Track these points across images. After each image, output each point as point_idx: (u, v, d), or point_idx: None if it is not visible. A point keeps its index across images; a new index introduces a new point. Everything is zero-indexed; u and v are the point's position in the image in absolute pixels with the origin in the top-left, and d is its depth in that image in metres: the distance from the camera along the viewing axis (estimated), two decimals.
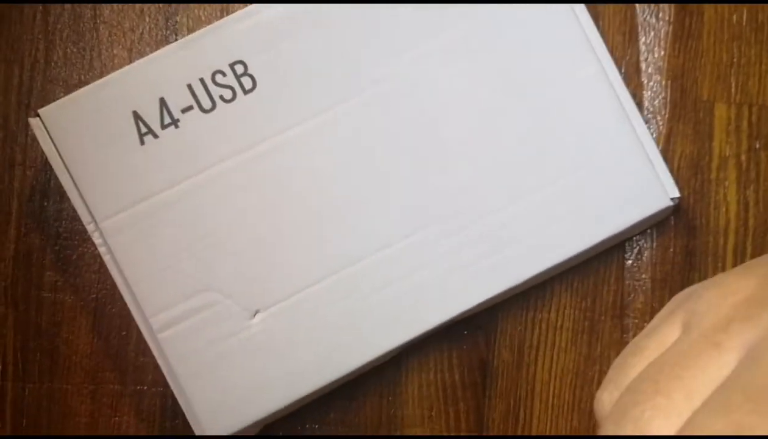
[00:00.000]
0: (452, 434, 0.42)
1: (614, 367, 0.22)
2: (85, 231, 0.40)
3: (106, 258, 0.40)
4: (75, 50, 0.42)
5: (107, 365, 0.41)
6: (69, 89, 0.40)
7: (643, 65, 0.42)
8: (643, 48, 0.42)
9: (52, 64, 0.42)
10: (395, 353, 0.41)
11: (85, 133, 0.40)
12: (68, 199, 0.40)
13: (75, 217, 0.40)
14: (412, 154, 0.40)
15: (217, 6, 0.43)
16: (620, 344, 0.42)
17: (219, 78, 0.41)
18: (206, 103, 0.41)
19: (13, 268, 0.42)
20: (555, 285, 0.42)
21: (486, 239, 0.40)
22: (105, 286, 0.41)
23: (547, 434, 0.42)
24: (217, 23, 0.40)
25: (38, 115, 0.40)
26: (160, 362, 0.40)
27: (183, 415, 0.39)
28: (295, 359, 0.40)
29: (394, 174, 0.41)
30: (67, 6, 0.42)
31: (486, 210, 0.40)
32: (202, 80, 0.41)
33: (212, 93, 0.41)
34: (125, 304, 0.40)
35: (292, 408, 0.41)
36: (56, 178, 0.40)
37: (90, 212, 0.40)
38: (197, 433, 0.39)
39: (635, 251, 0.42)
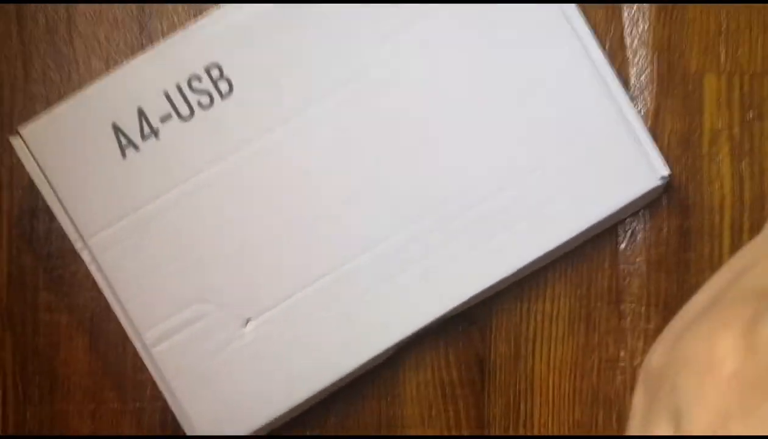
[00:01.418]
0: (453, 433, 0.38)
1: None
2: (75, 249, 0.37)
3: (97, 276, 0.37)
4: (53, 66, 0.39)
5: (106, 384, 0.38)
6: (50, 105, 0.37)
7: (627, 40, 0.38)
8: (627, 22, 0.38)
9: (31, 80, 0.39)
10: (391, 353, 0.37)
11: (67, 150, 0.37)
12: (57, 219, 0.36)
13: (65, 236, 0.37)
14: (398, 147, 0.37)
15: (191, 8, 0.39)
16: (618, 331, 0.38)
17: (195, 83, 0.37)
18: (184, 111, 0.37)
19: (7, 290, 0.39)
20: (548, 274, 0.38)
21: (477, 227, 0.37)
22: (99, 304, 0.38)
23: (550, 427, 0.38)
24: (189, 27, 0.37)
25: (19, 135, 0.36)
26: (155, 376, 0.36)
27: (182, 429, 0.35)
28: (291, 364, 0.37)
29: (380, 168, 0.37)
30: (41, 20, 0.39)
31: (476, 198, 0.37)
32: (178, 86, 0.37)
33: (189, 99, 0.37)
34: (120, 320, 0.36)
35: (291, 415, 0.37)
36: (44, 198, 0.36)
37: (77, 230, 0.37)
38: None
39: (628, 233, 0.38)
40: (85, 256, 0.38)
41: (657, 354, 0.19)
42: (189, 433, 0.37)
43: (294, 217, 0.38)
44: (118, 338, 0.39)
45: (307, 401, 0.38)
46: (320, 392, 0.38)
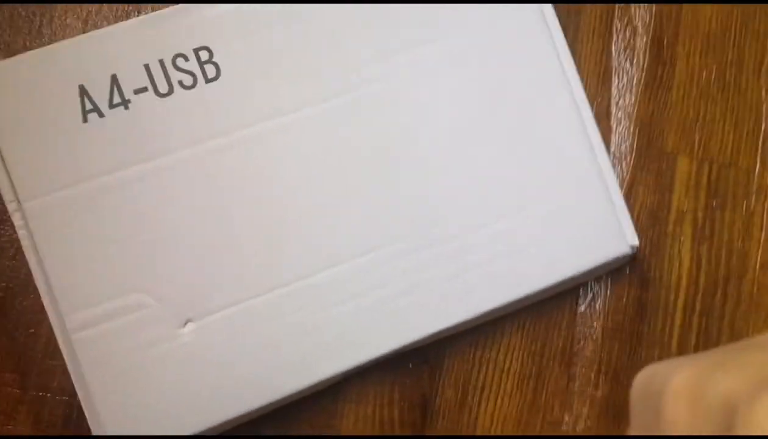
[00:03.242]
0: None
1: None
2: (4, 212, 0.30)
3: (25, 243, 0.30)
4: (23, 13, 0.33)
5: (8, 365, 0.31)
6: (11, 54, 0.30)
7: (613, 109, 0.36)
8: (615, 92, 0.36)
9: None
10: (335, 381, 0.32)
11: (22, 101, 0.31)
12: None
13: None
14: (378, 166, 0.33)
15: None
16: (565, 394, 0.34)
17: (180, 62, 0.32)
18: (163, 87, 0.32)
19: None
20: (506, 325, 0.35)
21: (444, 264, 0.33)
22: (19, 275, 0.31)
23: None
24: (185, 5, 0.32)
25: None
26: (70, 366, 0.30)
27: (88, 429, 0.29)
28: (225, 378, 0.31)
29: (356, 186, 0.33)
30: None
31: (446, 234, 0.33)
32: (161, 62, 0.32)
33: (171, 77, 0.32)
34: (39, 298, 0.30)
35: (215, 431, 0.31)
36: None
37: (14, 189, 0.30)
38: None
39: (589, 297, 0.35)
40: (17, 219, 0.31)
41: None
42: (95, 432, 0.30)
43: (258, 220, 0.32)
44: (33, 317, 0.32)
45: (236, 419, 0.31)
46: (250, 413, 0.32)
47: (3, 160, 0.31)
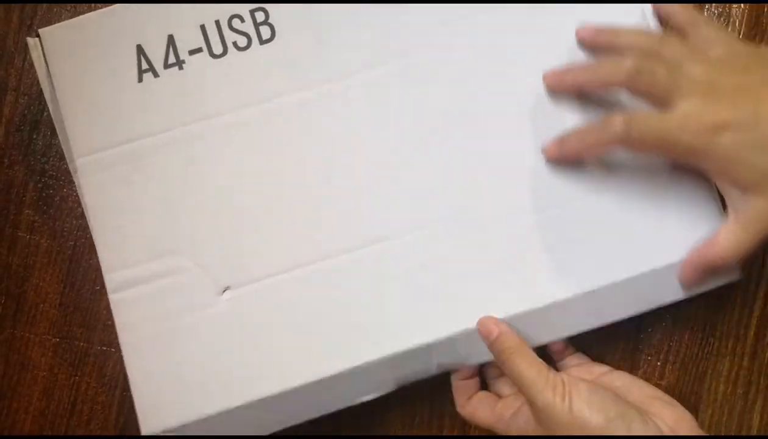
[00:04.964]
0: None
1: None
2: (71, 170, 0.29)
3: (83, 200, 0.29)
4: None
5: (76, 320, 0.31)
6: (77, 15, 0.29)
7: None
8: None
9: None
10: (387, 390, 0.29)
11: (83, 61, 0.31)
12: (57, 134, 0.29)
13: (64, 156, 0.29)
14: (438, 138, 0.30)
15: None
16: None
17: (236, 23, 0.30)
18: (217, 48, 0.30)
19: None
20: None
21: (507, 245, 0.29)
22: (86, 234, 0.31)
23: None
24: None
25: (38, 36, 0.29)
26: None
27: None
28: (262, 351, 0.29)
29: (413, 158, 0.30)
30: None
31: (508, 212, 0.29)
32: (217, 23, 0.30)
33: (226, 38, 0.30)
34: None
35: (246, 411, 0.28)
36: (50, 112, 0.28)
37: (70, 148, 0.29)
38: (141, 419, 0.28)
39: None
40: (77, 179, 0.30)
41: None
42: (135, 395, 0.29)
43: (305, 189, 0.30)
44: (98, 273, 0.31)
45: (270, 399, 0.28)
46: (286, 394, 0.28)
47: (63, 119, 0.30)
